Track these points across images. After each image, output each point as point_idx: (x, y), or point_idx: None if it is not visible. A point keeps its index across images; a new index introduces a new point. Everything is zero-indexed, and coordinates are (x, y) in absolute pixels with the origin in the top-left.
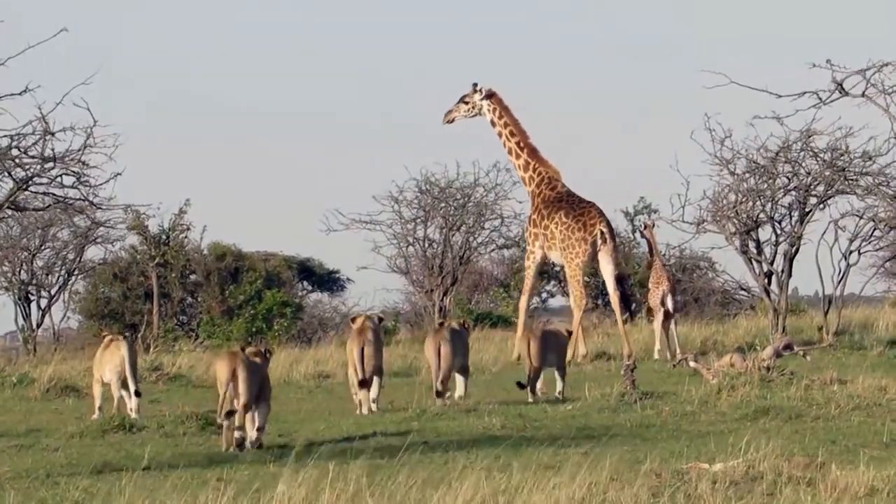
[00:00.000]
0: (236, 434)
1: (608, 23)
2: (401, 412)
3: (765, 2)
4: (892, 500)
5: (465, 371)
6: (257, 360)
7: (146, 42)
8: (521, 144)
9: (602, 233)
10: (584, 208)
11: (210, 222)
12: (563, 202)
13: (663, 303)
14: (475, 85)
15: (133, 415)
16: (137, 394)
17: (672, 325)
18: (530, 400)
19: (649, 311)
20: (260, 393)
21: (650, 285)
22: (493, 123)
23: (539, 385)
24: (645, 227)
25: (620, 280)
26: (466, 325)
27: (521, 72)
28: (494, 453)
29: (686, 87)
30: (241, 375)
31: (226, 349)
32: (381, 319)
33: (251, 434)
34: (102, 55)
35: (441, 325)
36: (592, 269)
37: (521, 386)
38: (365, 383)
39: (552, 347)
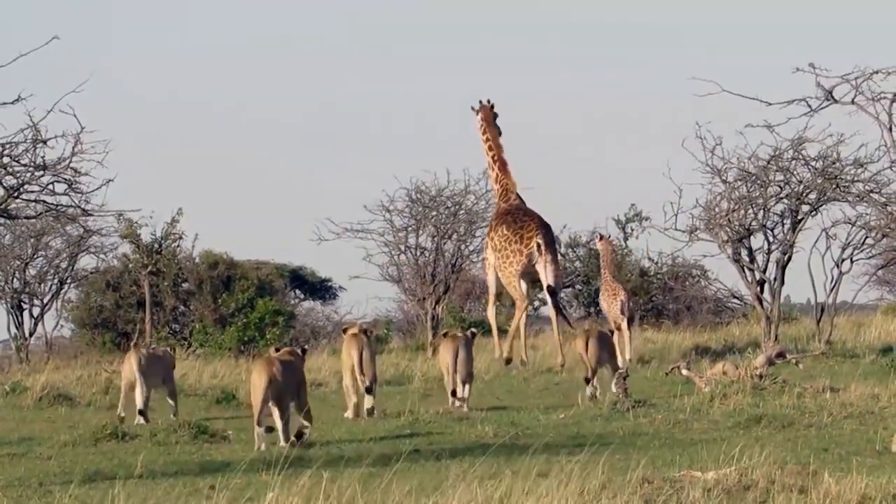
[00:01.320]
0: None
1: (600, 29)
2: (393, 420)
3: (756, 9)
4: None
5: (470, 378)
6: (291, 358)
7: (138, 50)
8: (495, 158)
9: (539, 245)
10: (525, 221)
11: (202, 231)
12: (508, 215)
13: (622, 312)
14: (480, 102)
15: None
16: (141, 412)
17: (626, 334)
18: (587, 395)
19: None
20: (298, 394)
21: (605, 297)
22: (480, 140)
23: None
24: (600, 239)
25: (552, 293)
26: (473, 335)
27: (512, 79)
28: (487, 461)
29: (678, 94)
30: (265, 382)
31: (261, 356)
32: (370, 331)
33: (285, 437)
34: (94, 63)
35: (451, 333)
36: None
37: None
38: (370, 389)
39: (607, 347)
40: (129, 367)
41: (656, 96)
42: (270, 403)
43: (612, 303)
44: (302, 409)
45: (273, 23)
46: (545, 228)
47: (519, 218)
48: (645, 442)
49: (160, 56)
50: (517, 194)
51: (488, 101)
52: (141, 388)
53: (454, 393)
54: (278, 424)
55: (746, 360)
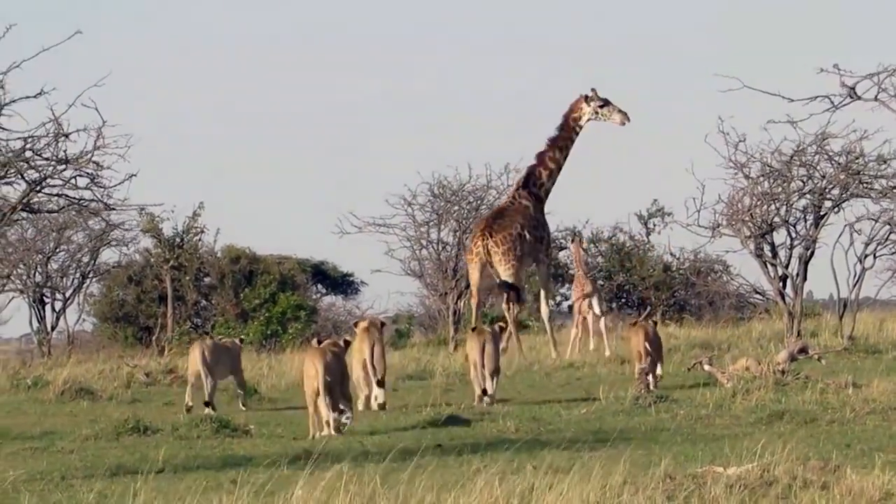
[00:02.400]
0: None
1: (621, 25)
2: (415, 415)
3: (780, 5)
4: None
5: (497, 372)
6: (336, 350)
7: (160, 44)
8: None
9: (478, 252)
10: (475, 227)
11: (224, 225)
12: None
13: (591, 306)
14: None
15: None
16: (206, 403)
17: (602, 329)
18: (652, 388)
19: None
20: (342, 382)
21: (574, 294)
22: None
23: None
24: (573, 241)
25: (505, 288)
26: (501, 329)
27: (533, 72)
28: (508, 456)
29: (701, 90)
30: (322, 370)
31: (311, 345)
32: (383, 324)
33: (331, 422)
34: (116, 57)
35: (478, 327)
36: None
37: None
38: (381, 383)
39: (657, 340)
40: (194, 358)
41: (679, 91)
42: (322, 393)
43: (582, 300)
44: (347, 399)
45: (295, 16)
46: (490, 230)
47: (479, 222)
48: (667, 437)
49: (182, 49)
50: (514, 193)
51: (592, 91)
52: (206, 379)
53: (484, 392)
54: (326, 414)
55: (769, 355)
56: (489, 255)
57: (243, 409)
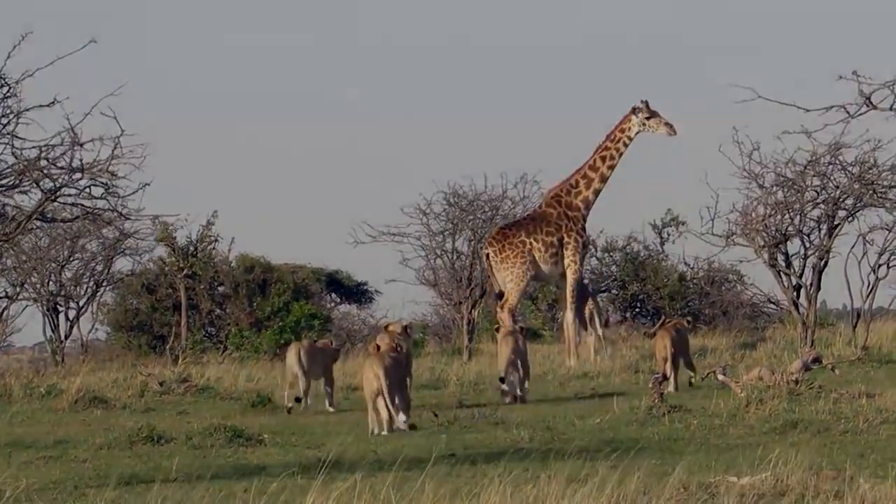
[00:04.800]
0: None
1: (636, 33)
2: (429, 423)
3: (795, 14)
4: None
5: (527, 373)
6: (395, 355)
7: (174, 53)
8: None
9: (485, 256)
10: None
11: (238, 234)
12: None
13: (591, 320)
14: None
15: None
16: (297, 399)
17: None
18: (671, 390)
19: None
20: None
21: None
22: None
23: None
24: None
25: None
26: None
27: (550, 80)
28: (522, 466)
29: (714, 98)
30: (383, 374)
31: (371, 351)
32: (405, 327)
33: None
34: (131, 66)
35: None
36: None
37: (665, 378)
38: None
39: (684, 343)
40: (291, 359)
41: (692, 100)
42: (381, 394)
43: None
44: (405, 402)
45: (310, 24)
46: (494, 241)
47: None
48: (681, 447)
49: (195, 58)
50: (544, 202)
51: (642, 102)
52: (301, 379)
53: (523, 399)
54: (387, 414)
55: (782, 365)
56: (490, 263)
57: (331, 409)
